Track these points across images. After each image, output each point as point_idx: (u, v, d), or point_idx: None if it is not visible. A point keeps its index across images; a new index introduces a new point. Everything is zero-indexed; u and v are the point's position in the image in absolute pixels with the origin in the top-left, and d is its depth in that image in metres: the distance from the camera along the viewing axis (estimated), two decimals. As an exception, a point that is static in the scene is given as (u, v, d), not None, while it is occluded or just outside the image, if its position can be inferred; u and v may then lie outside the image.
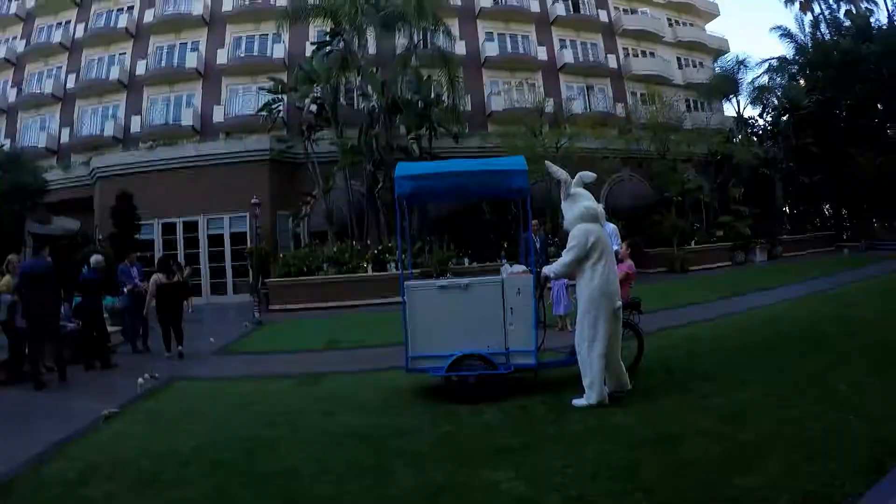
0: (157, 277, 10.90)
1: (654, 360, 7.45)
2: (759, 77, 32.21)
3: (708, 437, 4.60)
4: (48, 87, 31.24)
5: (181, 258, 22.36)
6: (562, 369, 6.69)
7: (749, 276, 19.06)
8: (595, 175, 6.43)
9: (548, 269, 6.30)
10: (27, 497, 4.40)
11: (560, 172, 6.19)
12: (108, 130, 29.61)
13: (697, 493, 3.71)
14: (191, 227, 25.05)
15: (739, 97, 32.02)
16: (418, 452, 4.79)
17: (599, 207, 6.15)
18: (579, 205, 6.04)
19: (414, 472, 4.38)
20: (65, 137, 30.64)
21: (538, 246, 11.73)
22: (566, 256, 5.92)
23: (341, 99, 24.42)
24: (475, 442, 4.96)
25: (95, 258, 10.77)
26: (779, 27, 33.66)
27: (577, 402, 5.78)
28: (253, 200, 17.74)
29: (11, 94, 32.23)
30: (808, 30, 35.42)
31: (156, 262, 19.82)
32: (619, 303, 5.89)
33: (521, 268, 6.83)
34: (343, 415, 6.12)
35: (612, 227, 9.35)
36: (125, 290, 11.68)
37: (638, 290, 13.78)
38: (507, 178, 6.79)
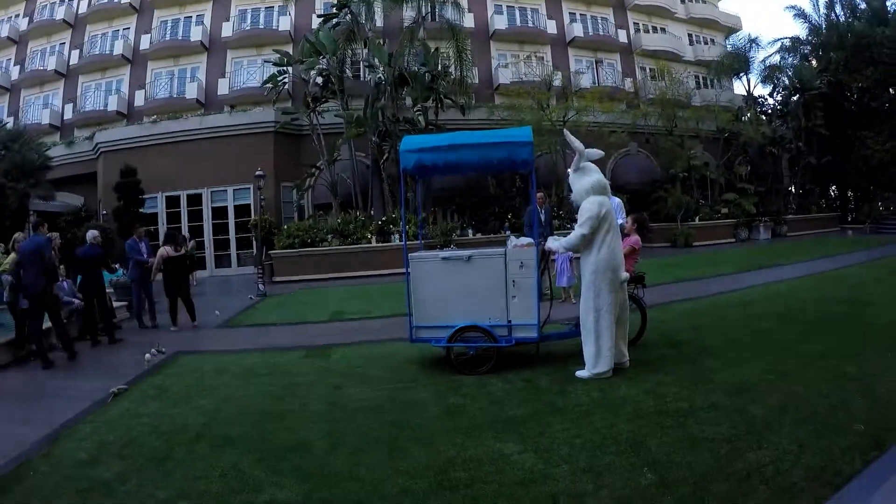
0: (165, 250, 10.97)
1: (658, 334, 7.46)
2: (770, 56, 31.91)
3: (716, 412, 4.60)
4: (51, 63, 30.94)
5: (185, 231, 22.48)
6: (566, 342, 6.65)
7: (753, 254, 19.08)
8: (602, 153, 6.34)
9: (557, 243, 6.25)
10: (39, 480, 4.33)
11: (578, 143, 6.11)
12: (112, 105, 29.41)
13: (708, 467, 3.67)
14: (195, 200, 25.06)
15: (750, 76, 31.86)
16: (428, 426, 4.80)
17: (603, 181, 6.08)
18: (590, 177, 5.98)
19: (425, 445, 4.38)
20: (68, 113, 30.47)
21: (543, 218, 11.68)
22: (581, 229, 5.80)
23: (347, 71, 24.15)
24: (483, 414, 4.97)
25: (91, 233, 10.48)
26: (793, 7, 33.17)
27: (580, 373, 5.80)
28: (257, 173, 17.65)
29: (14, 72, 32.01)
30: (822, 11, 34.96)
31: (161, 235, 19.94)
32: (625, 275, 5.88)
33: (527, 240, 6.72)
34: (352, 388, 6.10)
35: (617, 201, 9.26)
36: (132, 263, 11.52)
37: (641, 264, 13.75)
38: (512, 150, 6.56)
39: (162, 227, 23.93)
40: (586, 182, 5.95)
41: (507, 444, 4.26)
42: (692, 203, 25.22)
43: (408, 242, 7.76)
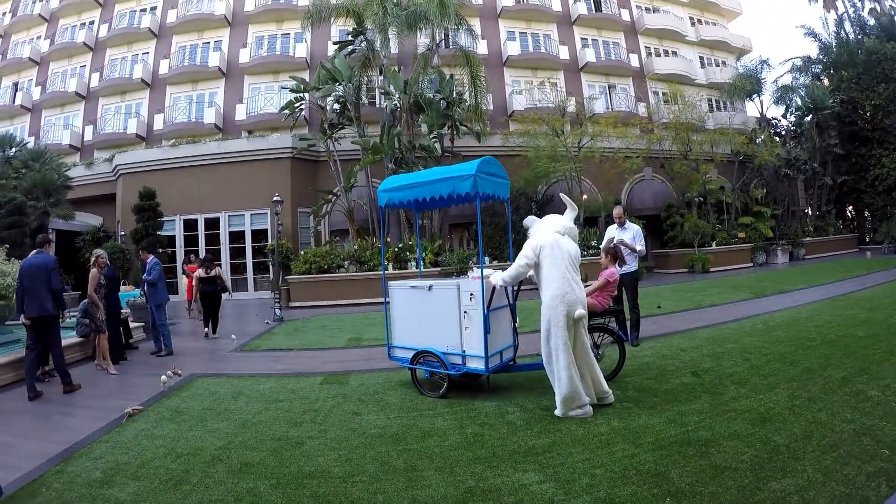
0: (199, 272, 13.50)
1: (680, 363, 7.45)
2: (782, 76, 31.90)
3: (739, 440, 4.57)
4: (72, 85, 31.64)
5: (202, 254, 22.58)
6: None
7: (771, 278, 18.88)
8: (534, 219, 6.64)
9: (497, 278, 6.33)
10: (53, 496, 4.39)
11: (570, 203, 6.48)
12: (131, 128, 29.92)
13: (731, 497, 3.66)
14: (212, 224, 25.37)
15: (762, 97, 31.85)
16: (447, 454, 4.78)
17: (563, 223, 6.20)
18: (537, 225, 6.39)
19: (444, 474, 4.38)
20: (88, 135, 30.99)
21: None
22: (512, 266, 6.07)
23: (363, 97, 24.46)
24: (502, 443, 4.95)
25: (97, 252, 10.48)
26: (803, 25, 33.27)
27: (556, 411, 5.69)
28: (275, 198, 17.84)
29: (36, 93, 32.70)
30: (832, 29, 35.08)
31: (179, 259, 20.16)
32: (580, 311, 5.76)
33: (489, 272, 6.73)
34: (370, 414, 6.12)
35: (636, 228, 9.34)
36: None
37: (659, 291, 13.78)
38: (455, 183, 6.75)
39: (179, 251, 24.26)
40: (535, 227, 6.36)
41: (527, 474, 4.24)
42: (709, 228, 25.08)
43: (423, 270, 7.95)
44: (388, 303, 7.35)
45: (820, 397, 5.52)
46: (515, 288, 6.92)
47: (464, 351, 6.54)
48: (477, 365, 6.44)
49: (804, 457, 4.15)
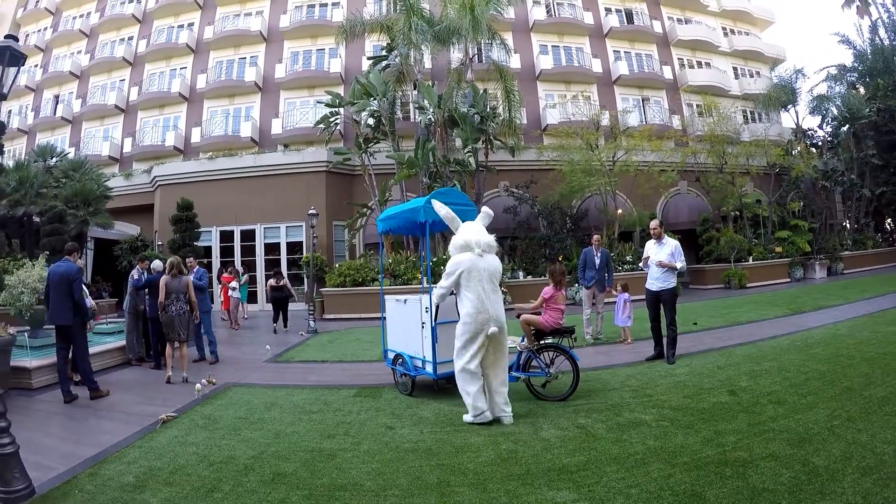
0: (271, 282, 17.42)
1: (716, 381, 7.36)
2: (816, 86, 31.38)
3: (777, 461, 4.46)
4: (111, 98, 32.42)
5: (238, 265, 22.99)
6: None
7: (810, 293, 18.54)
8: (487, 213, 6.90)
9: (434, 296, 6.77)
10: (86, 499, 4.47)
11: (484, 210, 6.95)
12: (169, 141, 30.57)
13: (769, 519, 3.58)
14: (248, 236, 25.75)
15: (798, 107, 31.26)
16: (480, 471, 4.74)
17: (475, 237, 6.40)
18: (456, 238, 6.59)
19: (477, 491, 4.34)
20: (127, 147, 31.73)
21: (598, 261, 11.74)
22: (437, 286, 6.62)
23: (398, 112, 24.65)
24: (536, 461, 4.90)
25: (156, 262, 11.27)
26: (837, 33, 32.63)
27: (465, 417, 6.25)
28: (310, 211, 18.03)
29: (76, 105, 33.62)
30: (866, 35, 34.41)
31: (215, 269, 20.51)
32: (493, 328, 6.06)
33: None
34: (403, 428, 6.13)
35: (674, 243, 9.29)
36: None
37: (695, 306, 13.67)
38: (415, 213, 7.85)
39: (215, 261, 24.64)
40: (452, 240, 6.61)
41: (562, 493, 4.18)
42: (745, 242, 24.69)
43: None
44: (383, 314, 8.76)
45: (860, 417, 5.38)
46: None
47: (423, 357, 7.43)
48: (429, 370, 7.29)
49: (843, 479, 4.03)
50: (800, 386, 6.76)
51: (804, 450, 4.66)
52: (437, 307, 7.05)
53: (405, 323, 7.90)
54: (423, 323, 7.34)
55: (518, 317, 7.56)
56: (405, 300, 7.98)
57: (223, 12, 32.78)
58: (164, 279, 9.95)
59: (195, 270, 12.32)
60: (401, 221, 8.54)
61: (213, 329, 11.98)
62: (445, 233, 7.07)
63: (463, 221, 6.81)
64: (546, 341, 7.24)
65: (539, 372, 7.09)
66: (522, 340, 7.37)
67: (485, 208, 6.93)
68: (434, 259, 20.54)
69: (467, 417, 6.18)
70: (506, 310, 6.85)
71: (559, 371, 7.09)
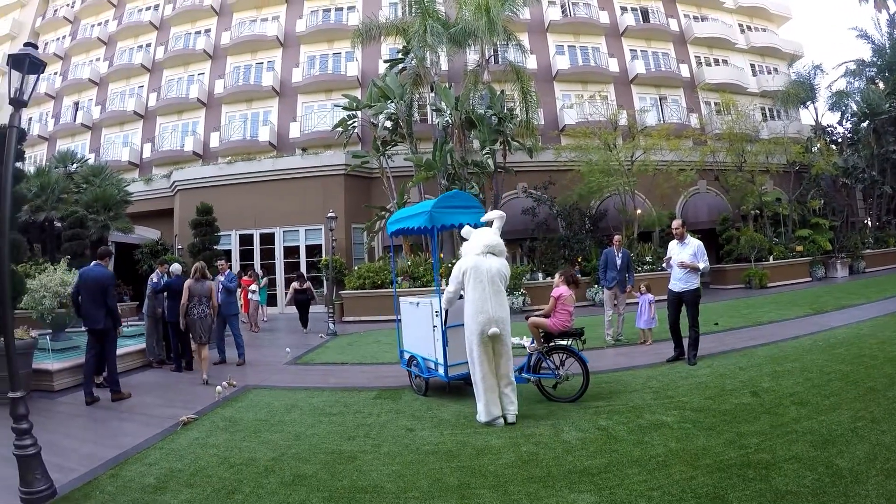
0: (294, 285, 17.75)
1: (739, 382, 7.29)
2: (835, 81, 30.99)
3: (800, 463, 4.42)
4: (130, 105, 32.85)
5: (258, 268, 23.19)
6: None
7: (831, 293, 18.31)
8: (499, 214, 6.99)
9: (443, 300, 6.99)
10: (106, 500, 4.52)
11: (495, 212, 7.07)
12: (188, 146, 30.91)
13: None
14: (267, 239, 25.92)
15: (817, 104, 30.90)
16: (501, 473, 4.73)
17: (484, 243, 6.55)
18: (464, 246, 6.79)
19: (498, 493, 4.33)
20: (146, 152, 32.10)
21: (619, 262, 11.71)
22: (446, 291, 6.82)
23: (415, 114, 24.69)
24: (557, 463, 4.88)
25: (175, 266, 11.48)
26: (855, 27, 32.21)
27: (478, 417, 6.32)
28: (329, 214, 18.12)
29: (96, 112, 34.06)
30: (884, 29, 33.92)
31: (236, 270, 20.68)
32: (493, 330, 6.15)
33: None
34: (423, 431, 6.12)
35: (697, 243, 9.25)
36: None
37: (716, 307, 13.58)
38: (414, 219, 8.13)
39: (235, 264, 24.82)
40: (463, 248, 6.79)
41: (583, 495, 4.16)
42: (765, 241, 24.44)
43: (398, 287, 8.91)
44: (398, 316, 8.85)
45: (884, 418, 5.30)
46: None
47: (436, 359, 7.50)
48: (441, 372, 7.38)
49: (867, 481, 3.99)
50: (822, 387, 6.69)
51: (827, 451, 4.63)
52: (447, 311, 7.13)
53: (418, 325, 8.01)
54: (435, 325, 7.45)
55: (526, 318, 7.68)
56: (417, 303, 8.09)
57: (239, 18, 33.07)
58: (188, 282, 10.11)
59: (226, 273, 12.54)
60: (407, 223, 8.63)
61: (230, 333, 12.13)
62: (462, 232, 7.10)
63: (470, 222, 7.08)
64: (556, 343, 7.27)
65: (549, 374, 7.13)
66: (532, 342, 7.45)
67: (495, 211, 7.10)
68: (453, 261, 20.58)
69: (480, 418, 6.25)
70: (525, 317, 6.97)
71: (569, 373, 7.10)
